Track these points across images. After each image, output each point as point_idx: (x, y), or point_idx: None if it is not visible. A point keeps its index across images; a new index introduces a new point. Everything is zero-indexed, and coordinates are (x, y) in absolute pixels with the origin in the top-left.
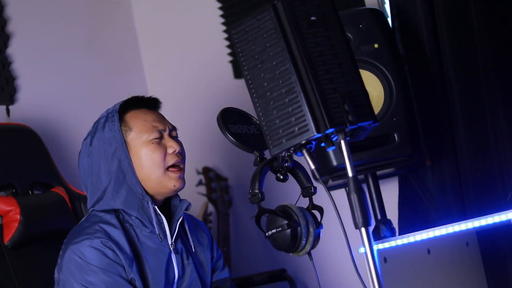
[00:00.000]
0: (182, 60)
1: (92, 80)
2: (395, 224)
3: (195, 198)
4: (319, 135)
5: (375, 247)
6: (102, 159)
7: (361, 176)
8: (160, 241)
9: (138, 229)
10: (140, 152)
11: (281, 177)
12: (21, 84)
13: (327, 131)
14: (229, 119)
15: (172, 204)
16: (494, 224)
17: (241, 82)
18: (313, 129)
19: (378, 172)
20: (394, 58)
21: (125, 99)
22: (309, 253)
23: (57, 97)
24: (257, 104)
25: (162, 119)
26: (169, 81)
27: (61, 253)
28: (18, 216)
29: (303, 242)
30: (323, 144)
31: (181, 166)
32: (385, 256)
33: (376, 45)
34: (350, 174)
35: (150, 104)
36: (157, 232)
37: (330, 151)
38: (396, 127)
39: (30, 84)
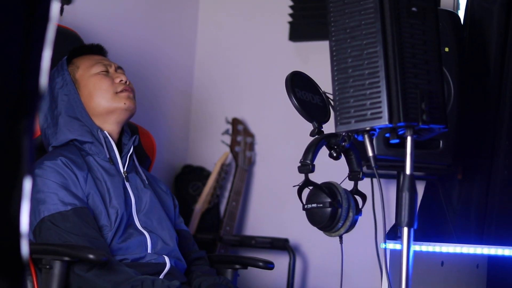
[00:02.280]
0: (239, 8)
1: (146, 3)
2: None
3: (218, 145)
4: (390, 125)
5: (397, 246)
6: (53, 99)
7: (393, 172)
8: (112, 165)
9: (95, 155)
10: (88, 83)
11: (335, 154)
12: None
13: (399, 124)
14: (297, 83)
15: (122, 142)
16: (510, 256)
17: (295, 45)
18: (386, 118)
19: None
20: (460, 67)
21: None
22: (340, 236)
23: (110, 11)
24: (336, 78)
25: (108, 60)
26: (221, 25)
27: None
28: None
29: (340, 224)
30: (387, 135)
31: (129, 90)
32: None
33: (446, 49)
34: (408, 171)
35: (95, 50)
36: (107, 156)
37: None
38: (444, 134)
39: None
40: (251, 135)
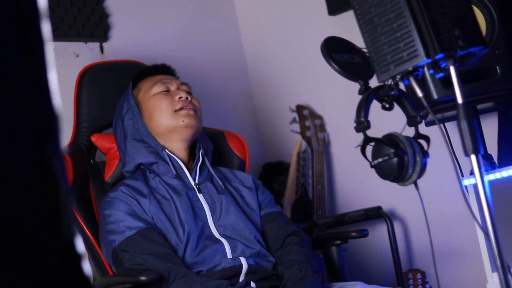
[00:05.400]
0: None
1: (184, 17)
2: (495, 159)
3: (288, 136)
4: (429, 60)
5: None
6: (121, 124)
7: None
8: (179, 180)
9: (163, 175)
10: (148, 104)
11: (387, 105)
12: (115, 21)
13: (437, 56)
14: (333, 47)
15: (196, 154)
16: None
17: (336, 19)
18: (423, 54)
19: (478, 107)
20: None
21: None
22: (415, 183)
23: (150, 35)
24: (364, 30)
25: (171, 78)
26: (260, 18)
27: None
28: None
29: (410, 171)
30: (431, 71)
31: (190, 107)
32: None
33: None
34: (460, 101)
35: (161, 70)
36: (174, 173)
37: (431, 85)
38: (498, 59)
39: (124, 21)
40: (319, 117)
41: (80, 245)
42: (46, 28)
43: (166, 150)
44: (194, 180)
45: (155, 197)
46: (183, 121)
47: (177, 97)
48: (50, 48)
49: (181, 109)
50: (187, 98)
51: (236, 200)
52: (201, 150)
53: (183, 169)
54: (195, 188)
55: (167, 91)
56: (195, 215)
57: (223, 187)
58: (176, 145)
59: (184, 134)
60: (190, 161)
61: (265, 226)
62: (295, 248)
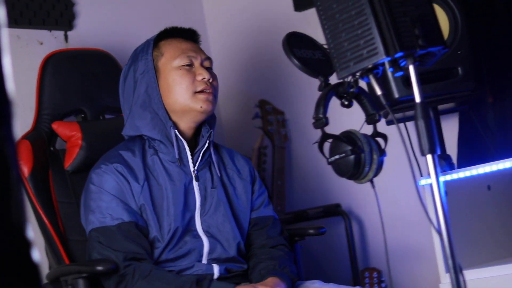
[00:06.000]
0: None
1: (150, 8)
2: (454, 160)
3: (251, 131)
4: (388, 58)
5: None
6: (133, 83)
7: None
8: (179, 165)
9: (162, 153)
10: (168, 76)
11: (346, 102)
12: (80, 10)
13: (396, 55)
14: (295, 43)
15: (201, 135)
16: None
17: (302, 15)
18: (382, 52)
19: (439, 107)
20: None
21: None
22: (371, 181)
23: (115, 24)
24: (325, 27)
25: (197, 49)
26: (226, 12)
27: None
28: (80, 142)
29: (366, 169)
30: (390, 69)
31: (210, 91)
32: (446, 189)
33: None
34: (418, 100)
35: (186, 35)
36: (176, 157)
37: (392, 83)
38: (460, 60)
39: (89, 10)
40: (281, 113)
41: (29, 231)
42: (0, 13)
43: (175, 129)
44: (194, 166)
45: (148, 183)
46: (201, 106)
47: (199, 77)
48: (4, 33)
49: (201, 91)
50: (209, 79)
51: (228, 196)
52: (210, 135)
53: (186, 152)
54: (193, 175)
55: (190, 65)
56: (186, 207)
57: (219, 178)
58: (186, 125)
59: (197, 117)
60: (192, 140)
61: (253, 229)
62: (277, 253)
